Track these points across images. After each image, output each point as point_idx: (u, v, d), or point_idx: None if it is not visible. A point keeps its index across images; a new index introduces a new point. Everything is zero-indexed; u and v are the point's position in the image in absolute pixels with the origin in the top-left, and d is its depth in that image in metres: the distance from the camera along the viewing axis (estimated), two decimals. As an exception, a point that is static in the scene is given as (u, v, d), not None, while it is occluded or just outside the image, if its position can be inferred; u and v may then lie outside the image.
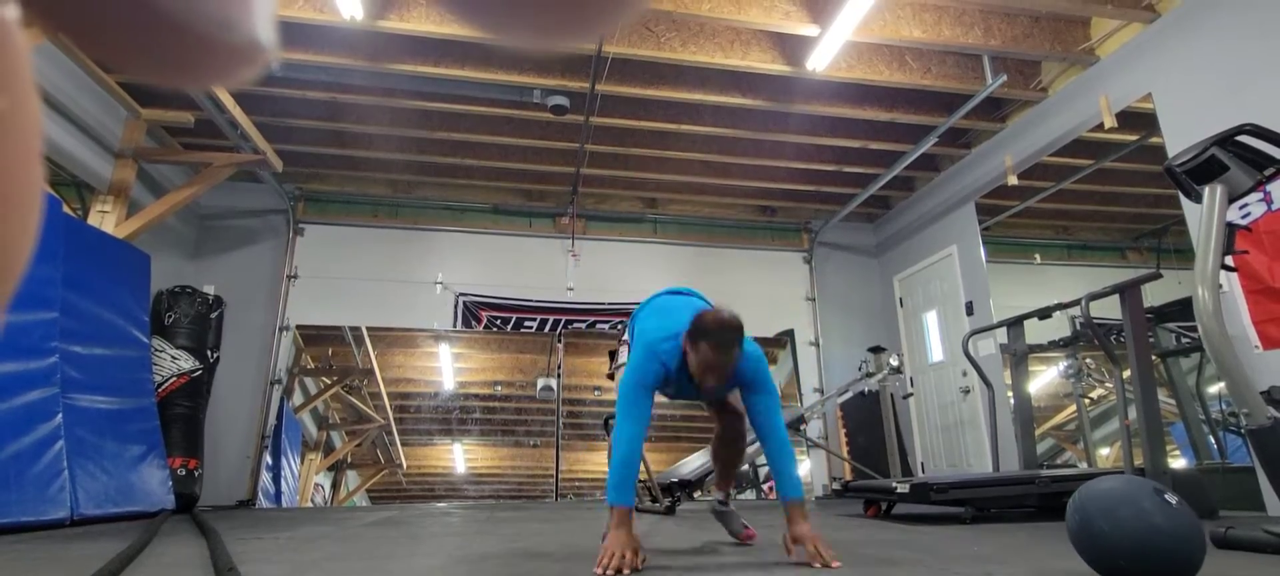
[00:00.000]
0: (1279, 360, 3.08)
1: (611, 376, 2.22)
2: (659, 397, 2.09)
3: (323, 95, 4.62)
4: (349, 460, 10.43)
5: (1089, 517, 1.29)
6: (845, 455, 5.65)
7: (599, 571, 1.64)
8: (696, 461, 4.42)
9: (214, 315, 4.98)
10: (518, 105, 4.68)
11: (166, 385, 4.49)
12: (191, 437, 4.57)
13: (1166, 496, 1.27)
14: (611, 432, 4.41)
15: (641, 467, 4.39)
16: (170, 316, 4.68)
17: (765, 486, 7.63)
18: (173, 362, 4.57)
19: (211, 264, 5.57)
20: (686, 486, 4.03)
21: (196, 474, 4.51)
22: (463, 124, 5.13)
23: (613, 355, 2.25)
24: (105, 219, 4.28)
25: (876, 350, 5.26)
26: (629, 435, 1.88)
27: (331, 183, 6.03)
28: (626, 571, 1.65)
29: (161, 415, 4.15)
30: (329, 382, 8.75)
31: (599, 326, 6.20)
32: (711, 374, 1.90)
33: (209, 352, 4.86)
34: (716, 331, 1.88)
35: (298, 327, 5.88)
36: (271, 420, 5.43)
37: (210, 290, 5.06)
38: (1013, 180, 4.94)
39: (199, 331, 4.81)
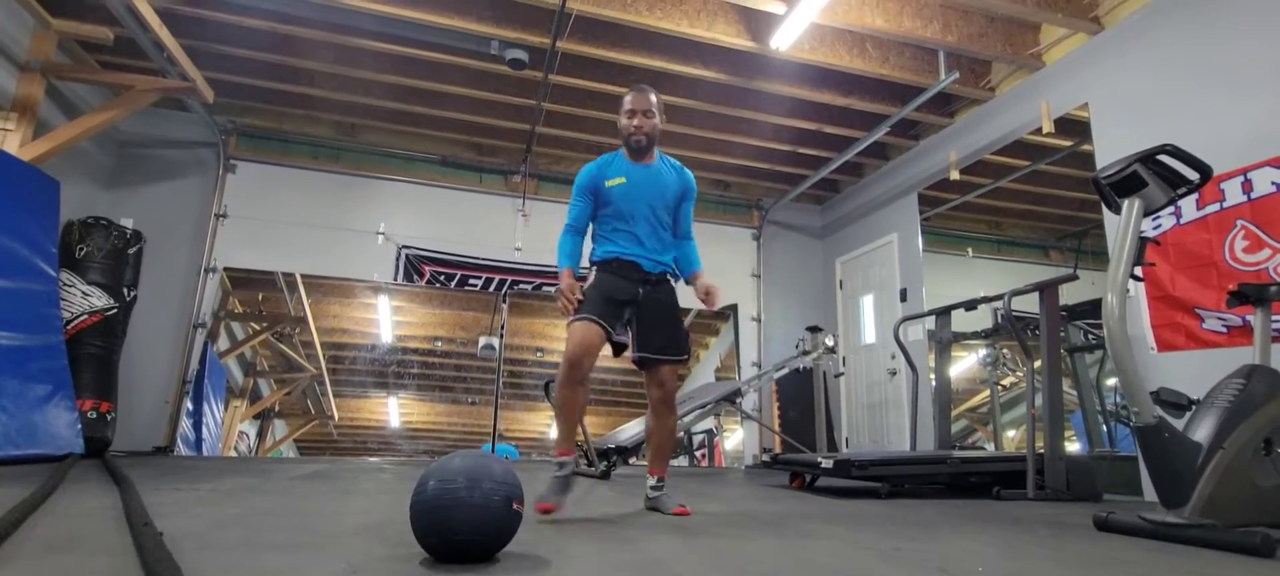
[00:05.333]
0: (1171, 361, 3.38)
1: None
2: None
3: (263, 24, 4.31)
4: (277, 409, 10.09)
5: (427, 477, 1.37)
6: (776, 428, 5.86)
7: (561, 306, 2.25)
8: (634, 428, 4.50)
9: (132, 250, 4.66)
10: (474, 55, 4.50)
11: (76, 322, 4.20)
12: (104, 379, 4.32)
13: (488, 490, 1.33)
14: (551, 395, 4.42)
15: (579, 432, 4.44)
16: (82, 249, 4.36)
17: (698, 454, 7.85)
18: (84, 299, 4.27)
19: (130, 195, 5.18)
20: (623, 452, 4.10)
21: (109, 417, 4.27)
22: (414, 69, 4.90)
23: None
24: (8, 138, 3.90)
25: (814, 329, 5.44)
26: (563, 233, 2.41)
27: (268, 119, 5.68)
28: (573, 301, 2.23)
29: (71, 354, 3.89)
30: (258, 329, 8.39)
31: (545, 289, 6.15)
32: (635, 111, 2.38)
33: (125, 290, 4.56)
34: (632, 86, 2.48)
35: (226, 270, 5.59)
36: (194, 365, 5.18)
37: (128, 223, 4.72)
38: (955, 175, 5.14)
39: (114, 267, 4.50)
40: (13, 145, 3.89)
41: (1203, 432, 2.06)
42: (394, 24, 4.22)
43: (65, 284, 4.17)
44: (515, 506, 1.39)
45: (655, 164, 2.46)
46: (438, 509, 1.34)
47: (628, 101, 2.41)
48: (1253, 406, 2.07)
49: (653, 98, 2.41)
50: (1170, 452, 2.04)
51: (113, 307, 4.42)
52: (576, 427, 2.30)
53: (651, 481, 2.41)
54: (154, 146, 5.38)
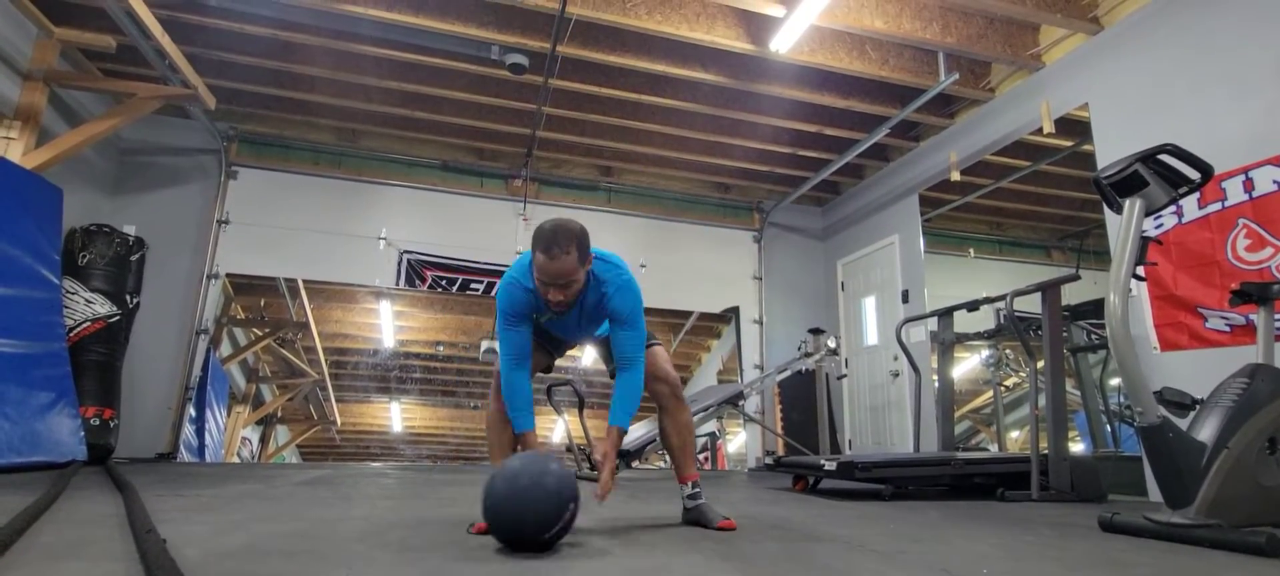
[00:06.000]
0: (1174, 361, 3.37)
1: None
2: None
3: (264, 31, 4.33)
4: (279, 415, 10.09)
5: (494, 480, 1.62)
6: (779, 431, 5.85)
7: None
8: (637, 431, 4.49)
9: (134, 257, 4.68)
10: (475, 60, 4.52)
11: (79, 329, 4.21)
12: (107, 386, 4.33)
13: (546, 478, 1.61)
14: (552, 397, 4.43)
15: (579, 433, 4.45)
16: (85, 256, 4.37)
17: (701, 457, 7.82)
18: (87, 306, 4.28)
19: (133, 202, 5.20)
20: (625, 455, 4.10)
21: (112, 424, 4.28)
22: (415, 75, 4.92)
23: None
24: (11, 146, 3.92)
25: (816, 331, 5.44)
26: (505, 371, 1.97)
27: (270, 125, 5.70)
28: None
29: (74, 361, 3.90)
30: (260, 334, 8.40)
31: (547, 292, 6.15)
32: (550, 285, 1.82)
33: (128, 297, 4.58)
34: (541, 234, 1.81)
35: (227, 276, 5.60)
36: (196, 371, 5.18)
37: (130, 230, 4.74)
38: (956, 176, 5.14)
39: (117, 274, 4.51)
40: (15, 153, 3.90)
41: (1207, 432, 2.05)
42: (394, 30, 4.24)
43: (68, 291, 4.18)
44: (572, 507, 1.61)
45: (577, 302, 1.99)
46: (523, 500, 1.55)
47: (540, 266, 1.80)
48: (1257, 405, 2.07)
49: (571, 256, 1.80)
50: (1175, 452, 2.03)
51: (115, 314, 4.43)
52: (510, 452, 2.00)
53: (686, 489, 2.10)
54: (156, 153, 5.40)
